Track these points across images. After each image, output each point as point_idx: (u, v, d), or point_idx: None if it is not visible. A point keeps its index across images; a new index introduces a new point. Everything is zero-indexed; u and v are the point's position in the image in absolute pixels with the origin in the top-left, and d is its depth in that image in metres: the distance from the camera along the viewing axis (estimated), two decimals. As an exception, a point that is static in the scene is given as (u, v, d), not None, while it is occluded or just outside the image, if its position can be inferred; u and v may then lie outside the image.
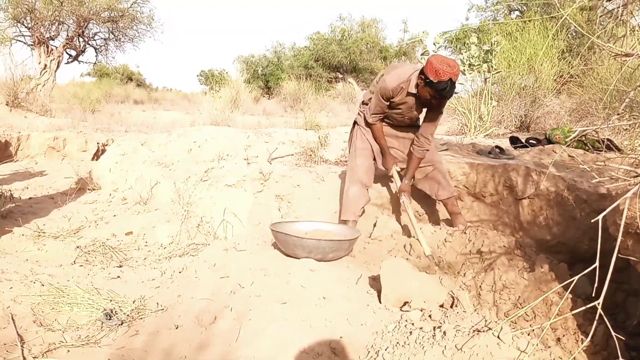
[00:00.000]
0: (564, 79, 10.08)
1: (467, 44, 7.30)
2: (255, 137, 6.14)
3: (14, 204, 5.32)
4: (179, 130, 6.61)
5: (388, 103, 4.00)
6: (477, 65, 6.97)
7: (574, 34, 12.28)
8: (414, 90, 3.83)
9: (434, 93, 3.67)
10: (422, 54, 6.84)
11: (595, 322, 2.04)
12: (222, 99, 12.44)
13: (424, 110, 4.01)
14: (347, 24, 26.62)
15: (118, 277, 3.53)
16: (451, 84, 3.59)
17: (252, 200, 4.57)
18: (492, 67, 7.02)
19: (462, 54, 7.14)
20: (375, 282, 3.22)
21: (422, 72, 3.68)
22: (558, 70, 9.58)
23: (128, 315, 2.83)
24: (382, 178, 4.57)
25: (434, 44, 6.70)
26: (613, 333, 1.95)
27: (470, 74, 7.18)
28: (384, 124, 4.24)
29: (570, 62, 10.21)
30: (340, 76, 26.41)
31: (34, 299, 2.97)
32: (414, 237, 3.93)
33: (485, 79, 7.37)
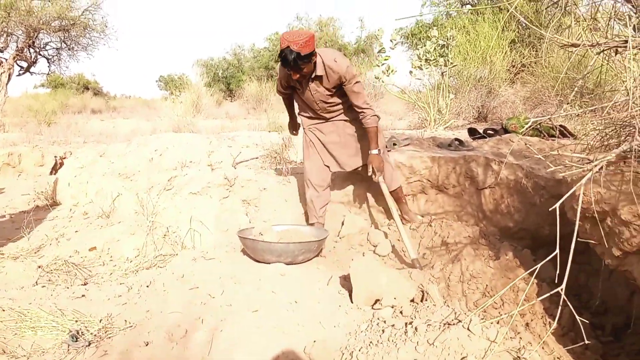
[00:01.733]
0: (517, 68, 10.31)
1: (422, 39, 7.40)
2: (218, 142, 6.08)
3: (-31, 226, 5.16)
4: (138, 139, 6.49)
5: (285, 86, 4.04)
6: (434, 60, 7.06)
7: (524, 24, 12.56)
8: None
9: (281, 63, 3.63)
10: (379, 51, 6.90)
11: (560, 307, 2.10)
12: (183, 104, 12.32)
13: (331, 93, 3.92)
14: (305, 24, 26.63)
15: (83, 295, 3.41)
16: (289, 52, 3.44)
17: (219, 206, 4.52)
18: (448, 61, 7.11)
19: (418, 49, 7.23)
20: (346, 282, 3.23)
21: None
22: (510, 60, 9.81)
23: (95, 336, 2.75)
24: (348, 176, 4.59)
25: (391, 40, 6.76)
26: (577, 317, 2.00)
27: (427, 68, 7.27)
28: (315, 123, 4.21)
29: (521, 52, 10.45)
30: (299, 74, 26.47)
31: (-5, 325, 2.87)
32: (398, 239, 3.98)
33: (442, 73, 7.46)
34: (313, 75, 3.72)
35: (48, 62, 17.24)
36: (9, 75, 15.25)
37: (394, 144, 4.86)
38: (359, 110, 3.85)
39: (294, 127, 4.46)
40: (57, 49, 17.01)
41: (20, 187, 7.24)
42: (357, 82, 3.79)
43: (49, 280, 3.83)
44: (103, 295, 3.40)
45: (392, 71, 6.74)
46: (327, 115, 4.10)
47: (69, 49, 16.99)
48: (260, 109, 16.52)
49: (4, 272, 4.09)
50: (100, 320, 2.93)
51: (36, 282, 3.77)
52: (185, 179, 5.02)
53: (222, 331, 2.65)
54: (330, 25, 26.53)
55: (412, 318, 2.64)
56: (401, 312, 2.77)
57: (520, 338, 2.46)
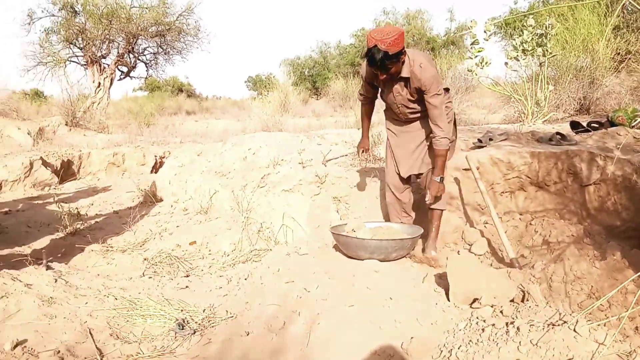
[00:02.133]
0: (622, 56, 9.63)
1: (518, 28, 7.09)
2: (308, 140, 6.16)
3: (81, 221, 5.54)
4: (233, 138, 6.71)
5: (369, 85, 3.84)
6: (531, 49, 6.74)
7: (629, 8, 11.71)
8: None
9: (367, 62, 3.44)
10: (472, 44, 6.69)
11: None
12: (271, 103, 12.56)
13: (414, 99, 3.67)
14: (392, 18, 26.27)
15: (186, 286, 3.62)
16: (377, 50, 3.25)
17: (310, 203, 4.59)
18: (547, 50, 6.76)
19: (514, 39, 6.93)
20: (441, 280, 3.18)
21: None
22: (614, 48, 9.17)
23: (199, 324, 2.91)
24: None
25: (485, 31, 6.52)
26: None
27: (524, 59, 6.96)
28: (392, 124, 4.01)
29: (627, 39, 9.74)
30: (389, 71, 26.09)
31: (108, 312, 3.09)
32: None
33: (540, 64, 7.11)
34: (399, 77, 3.53)
35: (146, 67, 18.35)
36: (111, 79, 16.39)
37: (490, 139, 4.71)
38: (432, 126, 3.58)
39: (362, 144, 4.18)
40: (154, 53, 18.03)
41: (125, 185, 7.70)
42: (436, 95, 3.48)
43: (155, 271, 4.06)
44: (205, 286, 3.57)
45: (486, 63, 6.51)
46: (406, 120, 3.90)
47: (165, 54, 17.95)
48: (346, 106, 16.49)
49: (113, 264, 4.39)
50: (204, 310, 3.08)
51: (143, 274, 4.02)
52: (277, 177, 5.13)
53: (319, 324, 2.69)
54: (418, 18, 26.02)
55: (513, 318, 2.56)
56: (501, 312, 2.70)
57: (631, 342, 2.32)
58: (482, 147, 4.64)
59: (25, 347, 2.62)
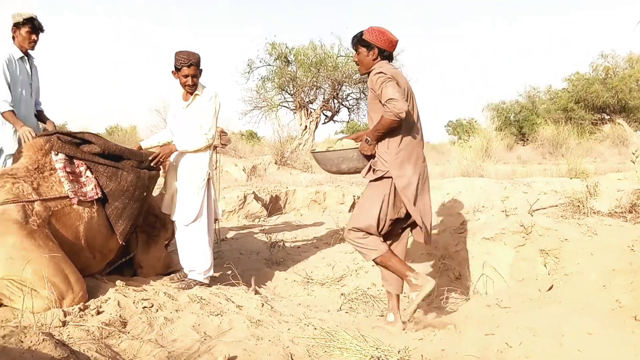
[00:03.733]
0: None
1: None
2: (513, 187, 5.88)
3: (285, 253, 5.92)
4: (431, 182, 6.68)
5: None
6: None
7: None
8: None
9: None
10: None
11: None
12: (472, 148, 12.32)
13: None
14: (612, 61, 24.17)
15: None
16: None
17: (513, 254, 4.33)
18: None
19: None
20: (672, 353, 2.75)
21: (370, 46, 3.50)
22: None
23: (394, 365, 2.88)
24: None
25: None
26: None
27: None
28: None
29: None
30: (607, 117, 23.85)
31: (308, 341, 3.22)
32: None
33: None
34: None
35: (348, 111, 19.40)
36: (316, 123, 17.67)
37: None
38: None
39: None
40: (356, 99, 19.08)
41: (325, 222, 8.09)
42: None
43: (351, 307, 4.17)
44: (399, 328, 3.54)
45: None
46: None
47: (367, 98, 18.71)
48: (557, 154, 15.47)
49: (313, 295, 4.59)
50: (399, 351, 3.04)
51: (340, 308, 4.13)
52: (477, 224, 4.96)
53: (522, 384, 2.49)
54: (642, 62, 23.60)
55: None
56: None
57: None
58: None
59: (235, 363, 2.83)
